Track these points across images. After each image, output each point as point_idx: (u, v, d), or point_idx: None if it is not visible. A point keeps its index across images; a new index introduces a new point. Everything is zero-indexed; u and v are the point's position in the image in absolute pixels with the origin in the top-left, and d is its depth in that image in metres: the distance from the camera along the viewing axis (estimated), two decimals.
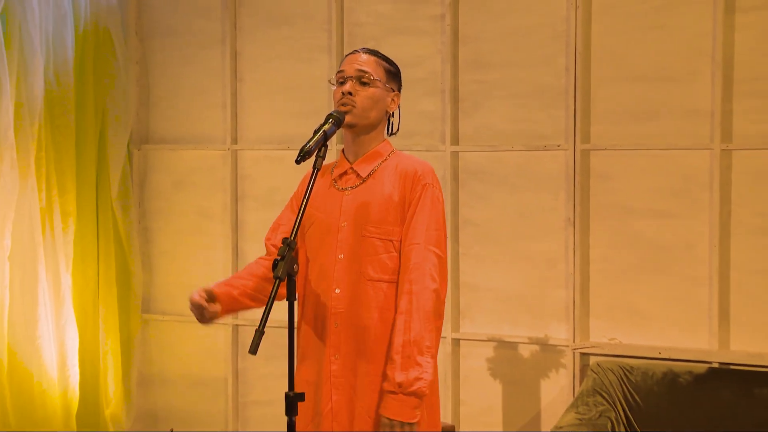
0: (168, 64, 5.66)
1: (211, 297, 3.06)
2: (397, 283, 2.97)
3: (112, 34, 5.47)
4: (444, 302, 2.97)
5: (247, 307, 3.15)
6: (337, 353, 2.98)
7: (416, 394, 2.84)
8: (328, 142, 2.98)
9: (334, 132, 3.00)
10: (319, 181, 3.09)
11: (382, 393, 2.92)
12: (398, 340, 2.87)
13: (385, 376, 2.88)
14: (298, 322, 3.09)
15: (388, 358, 2.89)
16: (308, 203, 3.02)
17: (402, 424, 2.84)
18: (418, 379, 2.84)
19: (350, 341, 2.97)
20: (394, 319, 2.92)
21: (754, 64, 4.46)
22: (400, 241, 2.98)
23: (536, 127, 4.86)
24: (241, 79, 5.49)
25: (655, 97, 4.64)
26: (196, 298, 3.04)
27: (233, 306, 3.15)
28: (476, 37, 4.97)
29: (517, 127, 4.90)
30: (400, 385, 2.83)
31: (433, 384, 3.01)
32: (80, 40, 5.35)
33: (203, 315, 3.05)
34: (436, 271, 2.94)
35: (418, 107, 4.97)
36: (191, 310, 3.07)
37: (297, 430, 2.93)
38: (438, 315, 2.93)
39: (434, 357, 2.90)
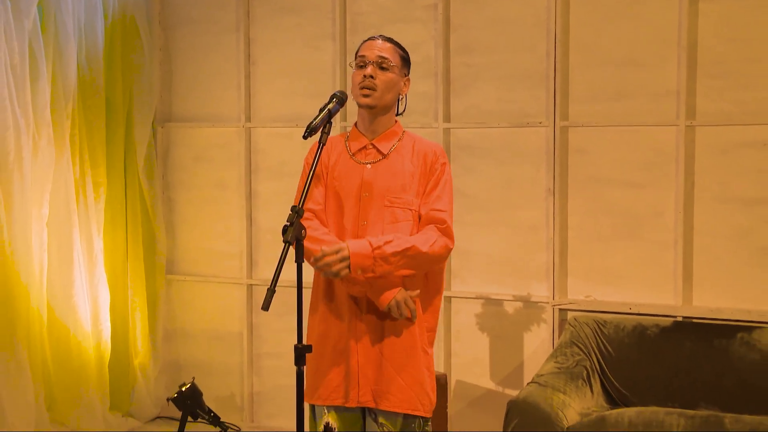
0: (188, 49, 5.66)
1: None
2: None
3: (138, 23, 5.47)
4: (444, 254, 3.02)
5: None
6: (364, 309, 3.01)
7: (371, 269, 2.90)
8: (332, 120, 3.00)
9: (337, 110, 3.02)
10: (335, 153, 3.11)
11: (403, 341, 2.98)
12: (409, 239, 2.94)
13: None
14: (317, 282, 3.11)
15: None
16: (329, 174, 3.06)
17: (345, 257, 2.88)
18: (381, 266, 2.91)
19: (371, 301, 3.00)
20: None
21: (716, 49, 4.45)
22: (417, 211, 3.03)
23: (520, 106, 4.86)
24: (254, 63, 5.49)
25: (626, 79, 4.64)
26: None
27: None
28: (466, 25, 4.96)
29: (502, 106, 4.90)
30: (377, 248, 2.90)
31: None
32: (109, 29, 5.35)
33: None
34: (446, 229, 3.02)
35: (413, 88, 4.88)
36: None
37: (318, 376, 3.00)
38: (431, 259, 2.98)
39: (399, 276, 2.97)
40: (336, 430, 3.05)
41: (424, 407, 3.02)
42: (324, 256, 2.87)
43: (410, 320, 2.97)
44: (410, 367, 2.99)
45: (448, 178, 3.07)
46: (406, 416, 3.00)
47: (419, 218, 3.03)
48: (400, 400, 2.97)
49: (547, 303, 4.80)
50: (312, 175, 2.89)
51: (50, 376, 5.04)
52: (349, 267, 2.88)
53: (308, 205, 3.07)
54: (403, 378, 2.98)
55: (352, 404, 3.02)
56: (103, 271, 5.26)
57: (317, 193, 3.10)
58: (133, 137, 5.51)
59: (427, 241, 2.95)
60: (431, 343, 3.12)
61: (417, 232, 3.00)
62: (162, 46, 5.68)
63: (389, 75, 3.03)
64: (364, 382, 3.00)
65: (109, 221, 5.35)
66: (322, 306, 3.07)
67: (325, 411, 3.06)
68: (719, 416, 3.63)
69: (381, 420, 2.99)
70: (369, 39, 3.10)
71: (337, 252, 2.88)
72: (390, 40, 3.10)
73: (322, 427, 3.07)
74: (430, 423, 3.07)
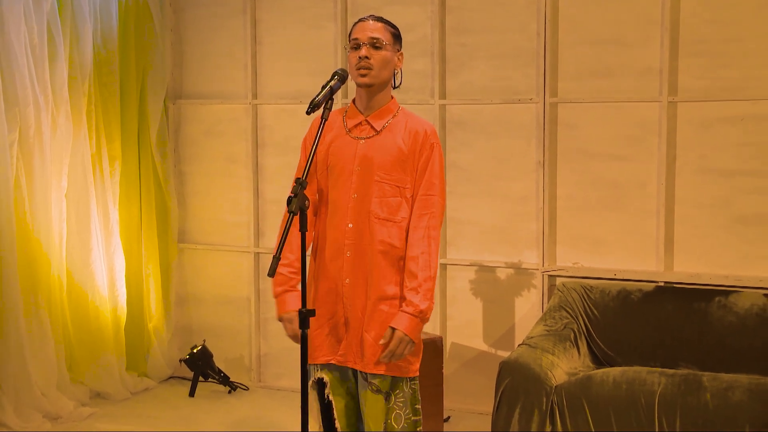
0: (198, 31, 5.64)
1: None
2: (408, 225, 3.00)
3: (150, 6, 5.45)
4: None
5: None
6: (350, 276, 3.01)
7: (426, 321, 2.96)
8: (333, 96, 3.00)
9: (339, 87, 3.00)
10: (333, 130, 3.09)
11: (387, 312, 2.97)
12: (422, 275, 2.94)
13: (406, 302, 2.93)
14: (315, 249, 3.12)
15: (409, 288, 2.94)
16: (325, 150, 3.06)
17: (410, 340, 2.91)
18: (430, 309, 2.96)
19: (359, 267, 3.00)
20: (413, 254, 2.96)
21: (696, 29, 4.44)
22: (406, 188, 3.00)
23: (511, 83, 4.85)
24: (260, 43, 5.47)
25: (612, 58, 4.63)
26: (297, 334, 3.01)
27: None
28: (460, 6, 4.94)
29: (495, 84, 4.89)
30: (421, 311, 2.92)
31: None
32: (123, 11, 5.33)
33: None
34: (440, 219, 3.04)
35: (411, 67, 4.95)
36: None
37: (312, 334, 3.00)
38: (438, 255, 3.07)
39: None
40: (328, 383, 3.08)
41: (411, 369, 3.02)
42: (388, 354, 2.91)
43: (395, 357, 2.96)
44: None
45: (438, 158, 3.04)
46: (393, 377, 3.00)
47: (411, 199, 3.02)
48: (384, 364, 2.96)
49: (537, 270, 4.81)
50: (314, 150, 2.89)
51: (70, 339, 5.07)
52: (412, 341, 2.93)
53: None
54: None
55: (338, 362, 3.04)
56: (118, 241, 5.27)
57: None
58: (147, 113, 5.49)
59: (433, 257, 2.97)
60: None
61: (408, 211, 3.00)
62: (173, 28, 5.66)
63: (383, 53, 3.01)
64: (351, 344, 3.01)
65: (124, 193, 5.35)
66: (316, 271, 3.10)
67: (318, 368, 3.10)
68: (697, 374, 3.65)
69: (370, 379, 3.01)
70: (360, 21, 3.08)
71: (392, 341, 2.92)
72: (380, 19, 3.07)
73: (313, 381, 3.11)
74: (417, 381, 3.07)
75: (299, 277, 3.04)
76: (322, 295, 3.06)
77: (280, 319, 3.08)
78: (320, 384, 3.10)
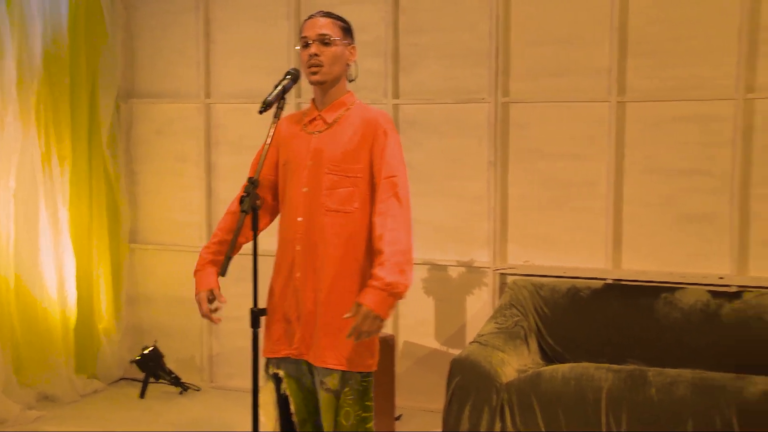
0: (150, 29, 5.60)
1: (212, 297, 3.09)
2: (363, 214, 2.97)
3: (102, 3, 5.39)
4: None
5: (239, 245, 3.01)
6: (301, 269, 3.01)
7: (396, 296, 2.82)
8: (286, 95, 3.01)
9: (291, 87, 3.01)
10: (292, 128, 3.10)
11: (339, 303, 2.95)
12: (389, 249, 2.82)
13: (372, 277, 2.82)
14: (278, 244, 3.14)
15: (376, 264, 2.83)
16: (283, 146, 3.07)
17: (376, 316, 2.79)
18: (402, 284, 2.81)
19: (309, 260, 2.99)
20: (379, 234, 2.88)
21: (644, 30, 4.51)
22: (358, 178, 2.98)
23: (463, 83, 4.88)
24: (213, 41, 5.45)
25: (563, 58, 4.68)
26: (208, 313, 3.06)
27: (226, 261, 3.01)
28: (413, 6, 4.96)
29: (447, 84, 4.92)
30: (388, 284, 2.78)
31: None
32: (73, 8, 5.27)
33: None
34: (407, 200, 2.95)
35: (364, 66, 4.88)
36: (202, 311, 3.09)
37: (271, 329, 3.03)
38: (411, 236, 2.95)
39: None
40: (283, 378, 3.08)
41: (364, 364, 2.99)
42: (354, 331, 2.81)
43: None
44: (347, 326, 2.93)
45: (393, 142, 3.00)
46: (344, 372, 2.98)
47: (371, 187, 3.02)
48: (335, 357, 2.95)
49: (489, 268, 4.85)
50: (267, 148, 2.89)
51: (17, 341, 5.00)
52: (381, 319, 2.82)
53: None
54: (340, 337, 2.95)
55: (293, 355, 3.05)
56: (68, 241, 5.21)
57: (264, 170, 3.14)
58: (98, 112, 5.44)
59: (402, 234, 2.88)
60: None
61: (362, 201, 2.99)
62: (124, 25, 5.61)
63: (332, 49, 3.01)
64: (304, 337, 3.00)
65: (74, 193, 5.30)
66: (275, 265, 3.12)
67: (275, 364, 3.10)
68: (643, 370, 3.70)
69: (320, 378, 3.01)
70: (308, 18, 3.07)
71: (357, 317, 2.81)
72: (328, 14, 3.07)
73: (270, 374, 3.11)
74: (370, 377, 3.03)
75: (215, 257, 3.10)
76: (279, 290, 3.06)
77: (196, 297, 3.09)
78: (276, 379, 3.11)
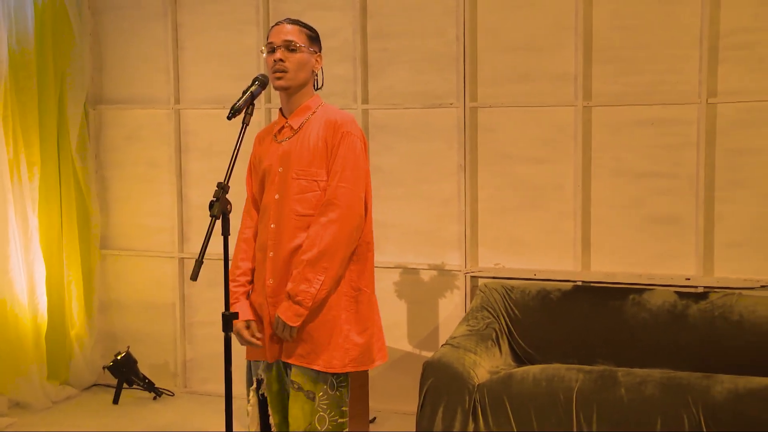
0: (118, 34, 5.56)
1: (251, 325, 3.10)
2: None
3: (68, 8, 5.34)
4: (351, 226, 2.95)
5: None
6: (272, 276, 3.02)
7: (300, 304, 2.91)
8: (255, 101, 3.02)
9: (260, 93, 3.02)
10: (265, 141, 3.14)
11: (319, 307, 2.98)
12: (299, 259, 2.93)
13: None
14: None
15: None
16: (259, 161, 3.10)
17: (285, 324, 2.92)
18: (304, 291, 2.90)
19: (281, 266, 3.01)
20: (301, 244, 2.96)
21: (608, 36, 4.55)
22: (324, 181, 2.99)
23: (432, 88, 4.90)
24: (182, 47, 5.42)
25: (530, 63, 4.71)
26: (250, 339, 3.07)
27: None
28: (381, 12, 4.97)
29: (416, 89, 4.93)
30: (288, 294, 2.92)
31: (370, 309, 3.09)
32: (39, 14, 5.22)
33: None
34: (344, 203, 2.94)
35: (333, 71, 4.97)
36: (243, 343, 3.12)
37: (251, 335, 3.05)
38: (339, 240, 2.93)
39: (331, 277, 2.93)
40: (264, 380, 3.11)
41: (340, 364, 3.00)
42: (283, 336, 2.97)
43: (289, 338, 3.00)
44: (323, 327, 2.99)
45: (351, 147, 2.99)
46: (318, 373, 3.00)
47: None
48: (305, 357, 2.98)
49: (460, 271, 4.87)
50: (236, 154, 2.90)
51: None
52: (290, 326, 2.94)
53: (246, 223, 3.19)
54: (316, 336, 2.98)
55: (271, 359, 3.06)
56: (38, 247, 5.16)
57: (250, 184, 3.21)
58: (66, 118, 5.39)
59: (316, 244, 2.92)
60: (358, 301, 3.06)
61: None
62: (92, 31, 5.57)
63: (298, 55, 3.02)
64: (276, 339, 3.03)
65: (43, 199, 5.25)
66: (254, 272, 3.13)
67: (255, 366, 3.14)
68: (613, 370, 3.75)
69: (292, 378, 3.02)
70: (276, 24, 3.08)
71: (275, 324, 2.97)
72: (296, 22, 3.08)
73: (254, 380, 3.14)
74: (345, 382, 3.06)
75: (245, 288, 3.13)
76: (255, 296, 3.09)
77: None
78: (257, 381, 3.13)
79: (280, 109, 3.14)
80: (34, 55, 5.17)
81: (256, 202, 3.18)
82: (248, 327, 3.07)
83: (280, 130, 3.10)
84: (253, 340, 3.04)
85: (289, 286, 2.92)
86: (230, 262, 3.04)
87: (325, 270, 2.91)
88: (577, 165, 4.62)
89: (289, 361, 3.01)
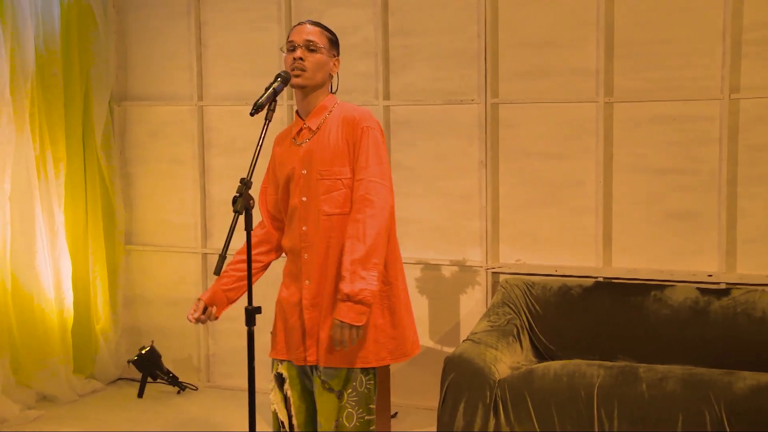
0: (142, 32, 5.60)
1: (205, 310, 3.12)
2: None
3: (93, 7, 5.39)
4: (388, 220, 2.95)
5: (249, 285, 2.96)
6: (309, 278, 3.02)
7: (362, 302, 2.86)
8: (277, 97, 3.02)
9: (282, 89, 3.02)
10: (284, 145, 3.14)
11: None
12: (346, 259, 2.88)
13: (338, 291, 2.89)
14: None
15: (340, 277, 2.90)
16: (277, 161, 3.11)
17: (351, 326, 2.86)
18: (363, 290, 2.85)
19: (318, 268, 3.01)
20: (344, 243, 2.92)
21: (630, 30, 4.52)
22: (349, 179, 2.99)
23: (453, 84, 4.89)
24: (205, 45, 5.45)
25: (551, 59, 4.69)
26: (194, 314, 3.10)
27: (233, 294, 3.16)
28: (402, 8, 4.97)
29: (437, 85, 4.93)
30: (346, 295, 2.84)
31: (401, 302, 3.08)
32: (65, 13, 5.27)
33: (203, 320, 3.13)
34: (378, 197, 2.94)
35: (354, 68, 4.98)
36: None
37: (278, 336, 3.06)
38: (381, 235, 2.92)
39: (380, 272, 2.91)
40: (287, 379, 3.10)
41: (361, 358, 3.00)
42: (337, 343, 2.90)
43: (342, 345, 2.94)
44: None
45: (372, 141, 2.99)
46: (349, 370, 3.00)
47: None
48: (339, 356, 2.97)
49: (481, 267, 4.87)
50: (259, 150, 2.90)
51: (15, 342, 5.01)
52: (356, 326, 2.88)
53: (259, 198, 3.22)
54: None
55: (298, 362, 3.06)
56: (64, 243, 5.21)
57: (270, 198, 3.21)
58: (91, 115, 5.44)
59: (360, 241, 2.89)
60: (389, 295, 3.05)
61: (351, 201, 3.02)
62: (117, 29, 5.61)
63: (317, 56, 3.03)
64: (310, 343, 3.02)
65: (69, 195, 5.29)
66: (285, 268, 3.13)
67: (279, 363, 3.13)
68: (634, 366, 3.74)
69: (323, 377, 3.02)
70: (297, 24, 3.09)
71: (337, 330, 2.89)
72: (317, 24, 3.09)
73: (273, 374, 3.14)
74: (372, 378, 3.05)
75: (235, 282, 3.13)
76: (287, 299, 3.09)
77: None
78: (280, 379, 3.13)
79: (296, 111, 3.14)
80: (60, 53, 5.22)
81: (268, 212, 3.22)
82: (205, 309, 3.10)
83: (298, 133, 3.09)
84: (193, 316, 3.08)
85: (347, 288, 2.86)
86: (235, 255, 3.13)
87: (376, 266, 2.90)
88: (598, 161, 4.60)
89: (323, 364, 3.00)
